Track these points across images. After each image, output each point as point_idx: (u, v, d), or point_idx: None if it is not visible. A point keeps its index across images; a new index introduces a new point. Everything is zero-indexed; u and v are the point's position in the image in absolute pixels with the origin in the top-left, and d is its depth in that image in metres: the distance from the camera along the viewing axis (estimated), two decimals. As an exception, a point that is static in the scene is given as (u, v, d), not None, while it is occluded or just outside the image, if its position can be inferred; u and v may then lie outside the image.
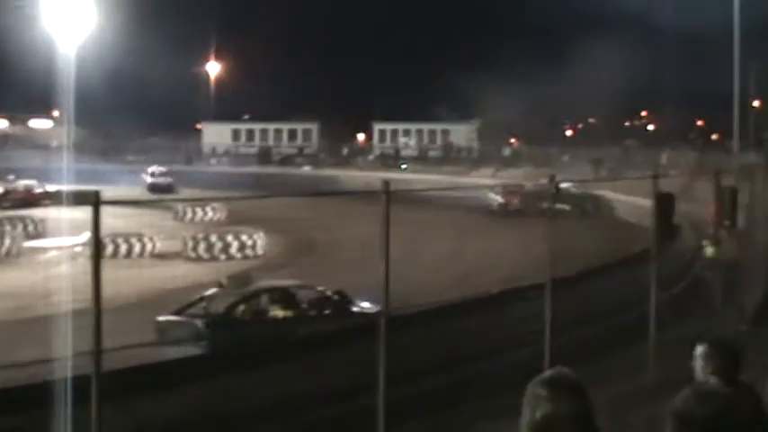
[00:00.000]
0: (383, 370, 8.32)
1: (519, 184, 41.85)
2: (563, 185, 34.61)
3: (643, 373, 11.71)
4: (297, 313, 16.31)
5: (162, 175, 58.90)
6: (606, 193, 40.54)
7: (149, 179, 57.65)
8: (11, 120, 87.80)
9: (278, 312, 16.39)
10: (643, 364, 11.91)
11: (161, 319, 16.08)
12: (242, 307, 16.26)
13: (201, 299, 16.87)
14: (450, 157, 70.63)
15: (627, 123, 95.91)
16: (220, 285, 17.07)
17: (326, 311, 16.44)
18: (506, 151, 70.11)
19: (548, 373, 2.98)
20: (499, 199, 42.16)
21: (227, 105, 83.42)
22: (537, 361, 9.48)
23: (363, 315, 15.44)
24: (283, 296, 16.70)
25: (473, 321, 11.75)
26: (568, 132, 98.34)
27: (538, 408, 2.86)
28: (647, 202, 19.85)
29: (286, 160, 73.54)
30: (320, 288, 17.07)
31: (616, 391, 10.27)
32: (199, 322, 15.65)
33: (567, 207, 32.92)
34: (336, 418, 9.41)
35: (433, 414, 9.82)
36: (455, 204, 40.20)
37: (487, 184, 46.31)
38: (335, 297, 16.78)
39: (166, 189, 55.28)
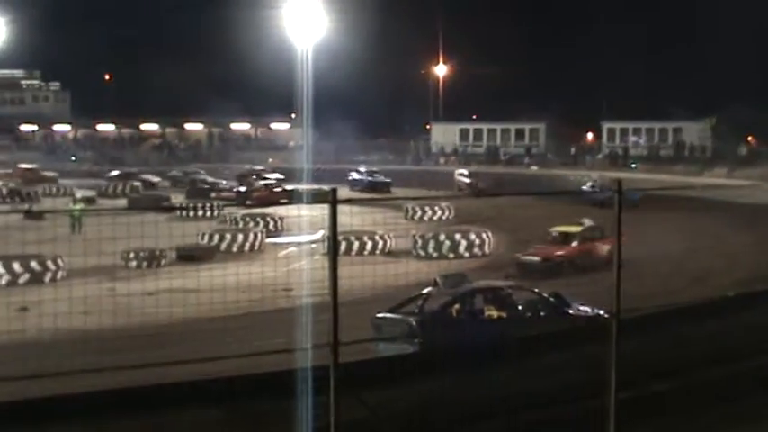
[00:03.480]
0: (614, 371, 8.21)
1: None
2: None
3: None
4: (512, 314, 16.25)
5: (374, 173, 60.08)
6: None
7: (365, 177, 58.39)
8: (253, 123, 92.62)
9: (492, 312, 16.39)
10: None
11: (378, 315, 16.49)
12: (456, 306, 16.39)
13: (417, 297, 17.15)
14: (682, 156, 68.07)
15: None
16: (435, 284, 17.28)
17: (542, 313, 16.28)
18: (742, 150, 66.73)
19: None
20: None
21: (455, 106, 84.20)
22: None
23: (587, 318, 15.24)
24: (498, 297, 16.69)
25: (707, 326, 11.36)
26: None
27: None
28: None
29: (513, 160, 73.41)
30: (536, 290, 16.93)
31: None
32: (413, 320, 15.90)
33: None
34: (562, 418, 9.36)
35: (666, 417, 9.58)
36: (698, 206, 38.64)
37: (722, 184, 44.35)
38: (552, 299, 16.59)
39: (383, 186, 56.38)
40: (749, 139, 73.41)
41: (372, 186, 56.03)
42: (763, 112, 74.36)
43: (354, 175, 58.57)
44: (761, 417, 2.82)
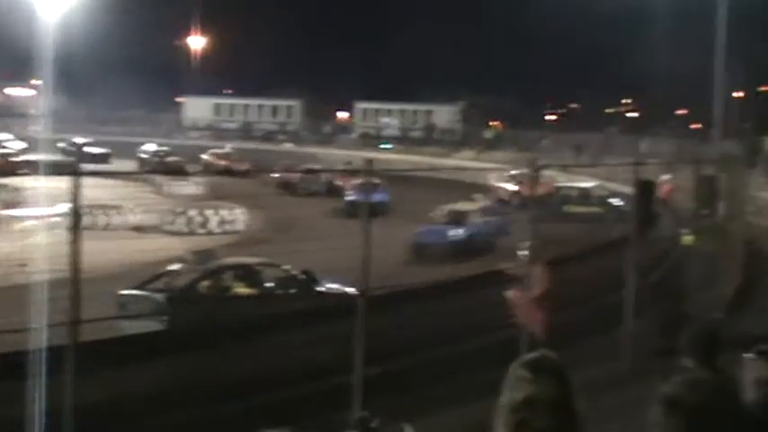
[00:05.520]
0: (361, 348, 8.31)
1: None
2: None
3: (618, 359, 11.78)
4: (261, 291, 16.19)
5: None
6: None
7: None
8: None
9: (241, 290, 16.27)
10: (618, 349, 11.98)
11: (123, 292, 15.87)
12: (205, 283, 16.13)
13: (165, 273, 16.70)
14: (433, 138, 70.52)
15: (608, 110, 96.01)
16: (184, 261, 16.92)
17: (292, 291, 16.31)
18: (488, 134, 70.04)
19: (530, 355, 2.96)
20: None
21: (209, 79, 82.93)
22: (514, 343, 9.50)
23: (334, 295, 15.38)
24: (248, 274, 16.57)
25: (451, 303, 11.75)
26: (551, 117, 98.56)
27: (519, 389, 2.83)
28: (626, 189, 19.94)
29: (268, 136, 73.29)
30: (286, 267, 16.93)
31: (591, 376, 10.30)
32: (160, 297, 15.49)
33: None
34: (309, 395, 9.39)
35: (409, 392, 9.82)
36: (440, 185, 40.14)
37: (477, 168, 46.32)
38: (302, 276, 16.64)
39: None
40: (496, 123, 77.08)
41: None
42: (509, 99, 78.50)
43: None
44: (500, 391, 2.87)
